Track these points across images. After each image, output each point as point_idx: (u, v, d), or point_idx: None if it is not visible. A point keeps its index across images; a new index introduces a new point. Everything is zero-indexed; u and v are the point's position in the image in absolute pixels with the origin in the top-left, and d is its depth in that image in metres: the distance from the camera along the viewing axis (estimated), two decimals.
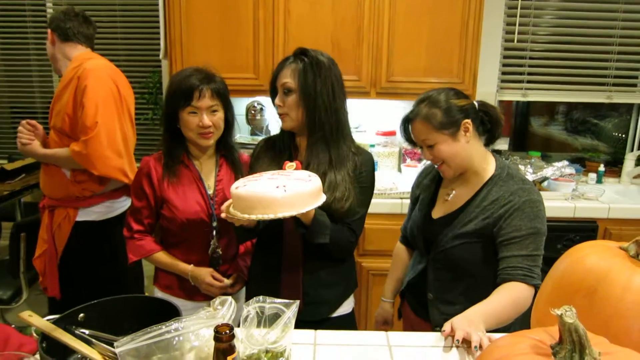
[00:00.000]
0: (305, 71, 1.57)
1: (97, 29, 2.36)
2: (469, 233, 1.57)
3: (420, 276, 1.73)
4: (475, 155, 1.61)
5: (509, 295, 1.46)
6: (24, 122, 2.21)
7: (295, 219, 1.49)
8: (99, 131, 2.08)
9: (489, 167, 1.62)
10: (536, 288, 1.47)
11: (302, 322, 1.52)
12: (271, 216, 1.34)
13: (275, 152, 1.69)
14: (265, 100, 3.19)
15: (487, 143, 1.67)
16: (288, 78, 1.58)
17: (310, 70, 1.57)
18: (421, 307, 1.74)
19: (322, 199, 1.43)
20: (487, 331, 1.33)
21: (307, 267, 1.64)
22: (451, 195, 1.67)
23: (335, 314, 1.72)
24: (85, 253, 2.28)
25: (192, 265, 1.82)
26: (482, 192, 1.59)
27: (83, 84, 2.10)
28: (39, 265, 2.32)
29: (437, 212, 1.70)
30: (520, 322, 1.62)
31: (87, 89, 2.09)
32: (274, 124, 3.22)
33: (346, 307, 1.75)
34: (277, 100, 1.58)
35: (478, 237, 1.57)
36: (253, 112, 3.13)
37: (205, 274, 1.80)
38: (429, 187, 1.77)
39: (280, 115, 1.62)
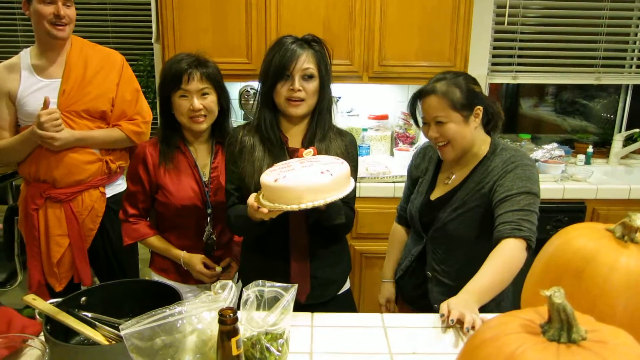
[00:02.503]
0: (323, 58, 1.59)
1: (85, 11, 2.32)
2: (467, 204, 1.63)
3: (418, 259, 1.77)
4: (477, 140, 1.67)
5: (500, 260, 1.45)
6: (46, 111, 1.97)
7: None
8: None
9: (485, 148, 1.68)
10: (528, 242, 1.47)
11: (310, 306, 1.59)
12: (321, 202, 1.33)
13: (263, 142, 1.63)
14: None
15: (487, 131, 1.72)
16: (310, 64, 1.56)
17: (327, 59, 1.61)
18: (412, 290, 1.79)
19: (353, 180, 1.45)
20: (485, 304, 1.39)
21: (312, 251, 1.66)
22: (451, 179, 1.72)
23: (339, 292, 1.77)
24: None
25: (184, 251, 1.85)
26: (478, 169, 1.66)
27: (128, 71, 2.27)
28: (66, 269, 2.19)
29: (435, 195, 1.75)
30: (512, 292, 1.67)
31: (133, 76, 2.29)
32: None
33: (346, 285, 1.80)
34: (297, 85, 1.54)
35: (475, 205, 1.62)
36: (246, 96, 3.13)
37: (197, 261, 1.83)
38: (428, 170, 1.81)
39: (296, 100, 1.56)
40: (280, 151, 1.63)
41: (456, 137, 1.61)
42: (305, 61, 1.55)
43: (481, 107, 1.62)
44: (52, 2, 2.00)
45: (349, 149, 1.69)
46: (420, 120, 1.71)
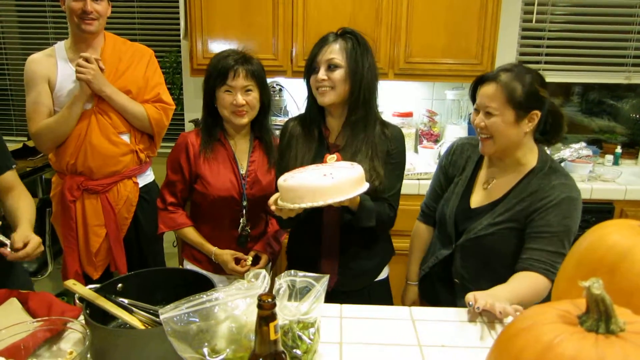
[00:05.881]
0: (354, 49, 1.62)
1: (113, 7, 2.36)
2: (505, 221, 1.58)
3: (444, 262, 1.73)
4: (523, 147, 1.59)
5: (530, 282, 1.50)
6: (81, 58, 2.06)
7: (342, 206, 1.54)
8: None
9: (532, 158, 1.61)
10: (552, 283, 1.49)
11: (343, 293, 1.66)
12: (321, 203, 1.38)
13: (305, 135, 1.70)
14: (284, 81, 3.21)
15: (540, 141, 1.64)
16: (335, 54, 1.60)
17: (358, 49, 1.62)
18: (439, 294, 1.77)
19: (365, 185, 1.48)
20: None
21: (345, 246, 1.71)
22: (491, 185, 1.66)
23: (375, 280, 1.80)
24: (152, 211, 2.23)
25: (215, 247, 1.89)
26: (522, 183, 1.59)
27: (154, 63, 2.33)
28: (102, 257, 2.26)
29: (474, 201, 1.68)
30: None
31: (158, 68, 2.35)
32: (292, 104, 3.25)
33: (383, 274, 1.83)
34: (320, 75, 1.60)
35: (512, 226, 1.57)
36: (272, 92, 3.16)
37: (229, 259, 1.87)
38: (465, 170, 1.73)
39: (321, 89, 1.62)
40: (320, 146, 1.68)
41: (500, 135, 1.54)
42: (330, 51, 1.61)
43: (539, 113, 1.52)
44: None
45: (389, 146, 1.68)
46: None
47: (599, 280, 0.76)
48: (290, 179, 1.43)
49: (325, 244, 1.70)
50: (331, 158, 1.59)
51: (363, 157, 1.62)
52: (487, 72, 1.59)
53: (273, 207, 1.48)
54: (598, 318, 0.76)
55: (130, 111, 2.20)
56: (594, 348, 0.72)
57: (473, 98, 1.63)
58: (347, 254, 1.71)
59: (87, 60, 2.05)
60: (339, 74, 1.60)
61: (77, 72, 2.05)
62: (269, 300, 0.86)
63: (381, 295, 1.81)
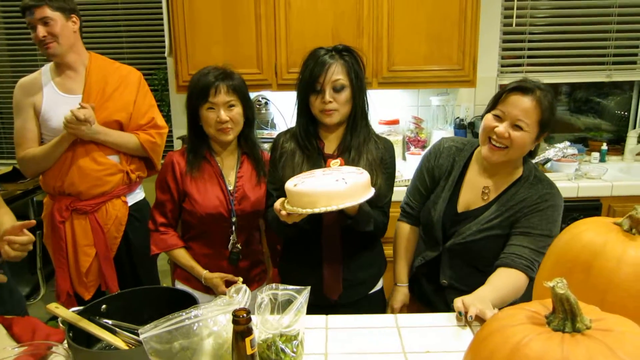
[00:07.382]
0: (355, 68, 1.64)
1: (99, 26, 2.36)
2: (493, 228, 1.62)
3: (431, 263, 1.76)
4: (520, 159, 1.65)
5: (511, 282, 1.54)
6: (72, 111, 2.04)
7: (341, 212, 1.54)
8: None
9: (519, 167, 1.66)
10: (531, 280, 1.55)
11: (342, 305, 1.68)
12: (334, 207, 1.39)
13: (301, 149, 1.70)
14: (270, 95, 3.23)
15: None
16: (339, 75, 1.61)
17: (357, 67, 1.65)
18: (429, 294, 1.79)
19: (372, 190, 1.50)
20: None
21: (345, 254, 1.72)
22: (479, 189, 1.69)
23: (371, 292, 1.82)
24: (143, 229, 2.22)
25: (206, 271, 1.88)
26: (510, 191, 1.64)
27: (145, 87, 2.34)
28: (93, 277, 2.25)
29: (462, 205, 1.71)
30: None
31: (149, 91, 2.36)
32: (278, 117, 3.27)
33: (378, 285, 1.85)
34: (327, 98, 1.60)
35: (499, 233, 1.62)
36: (258, 106, 3.18)
37: (219, 282, 1.86)
38: (452, 174, 1.73)
39: (328, 111, 1.63)
40: (317, 157, 1.70)
41: (518, 149, 1.56)
42: (335, 72, 1.61)
43: (547, 134, 1.59)
44: (32, 28, 2.09)
45: (383, 155, 1.72)
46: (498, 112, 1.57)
47: (562, 280, 0.77)
48: (301, 184, 1.43)
49: (327, 253, 1.71)
50: (335, 163, 1.60)
51: (364, 164, 1.65)
52: (523, 82, 1.54)
53: (283, 213, 1.47)
54: (564, 317, 0.78)
55: (124, 145, 2.23)
56: (559, 348, 0.74)
57: (495, 103, 1.59)
58: (347, 261, 1.72)
59: (77, 117, 2.03)
60: (345, 95, 1.63)
61: (66, 127, 2.04)
62: (244, 315, 0.87)
63: (377, 306, 1.83)
